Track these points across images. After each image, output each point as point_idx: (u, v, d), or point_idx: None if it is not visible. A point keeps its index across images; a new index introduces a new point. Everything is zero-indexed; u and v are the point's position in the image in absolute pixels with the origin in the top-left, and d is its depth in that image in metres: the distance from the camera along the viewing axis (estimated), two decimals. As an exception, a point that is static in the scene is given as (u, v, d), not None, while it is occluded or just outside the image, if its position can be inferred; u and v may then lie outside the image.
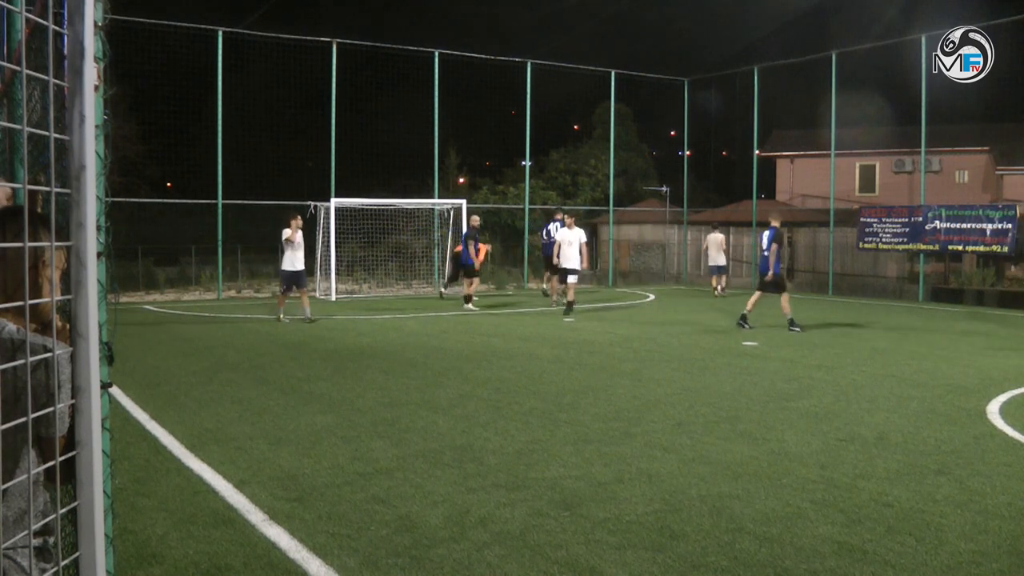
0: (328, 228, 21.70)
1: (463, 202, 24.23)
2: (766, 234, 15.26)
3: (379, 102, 30.10)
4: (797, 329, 14.61)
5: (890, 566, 4.43)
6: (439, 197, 25.54)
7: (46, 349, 2.10)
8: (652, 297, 23.18)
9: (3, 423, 1.81)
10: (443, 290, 22.40)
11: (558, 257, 17.82)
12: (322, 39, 23.29)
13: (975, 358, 11.84)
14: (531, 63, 26.05)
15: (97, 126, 2.02)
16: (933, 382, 9.90)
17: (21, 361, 1.99)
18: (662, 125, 45.14)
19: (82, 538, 1.89)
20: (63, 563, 1.93)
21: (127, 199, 25.14)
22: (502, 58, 26.65)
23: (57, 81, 1.83)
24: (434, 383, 9.66)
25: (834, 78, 25.09)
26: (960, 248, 21.88)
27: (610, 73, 28.62)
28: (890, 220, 23.31)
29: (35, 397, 2.01)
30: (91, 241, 1.86)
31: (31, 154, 2.92)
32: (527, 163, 28.40)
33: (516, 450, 6.71)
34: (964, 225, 21.53)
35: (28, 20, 2.56)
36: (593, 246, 29.99)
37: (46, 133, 1.80)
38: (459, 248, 19.92)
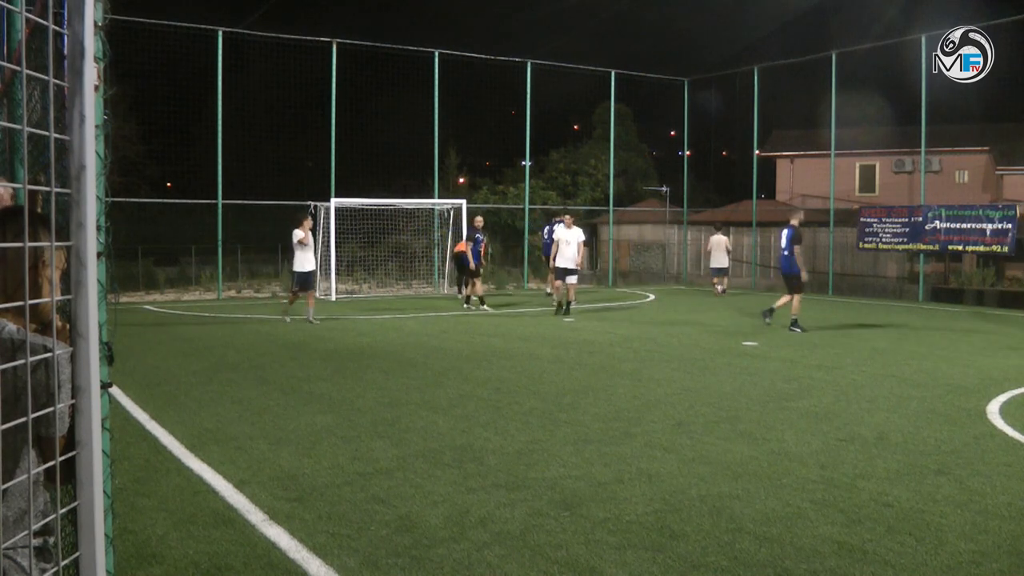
0: (328, 228, 21.71)
1: (463, 202, 24.23)
2: (784, 233, 15.22)
3: (379, 102, 30.09)
4: (798, 330, 14.61)
5: (890, 566, 4.43)
6: (439, 197, 25.55)
7: (46, 349, 2.10)
8: (652, 297, 23.18)
9: (3, 423, 1.81)
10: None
11: (555, 258, 17.69)
12: (322, 39, 23.30)
13: (975, 358, 11.84)
14: (531, 63, 26.05)
15: (97, 126, 2.02)
16: (933, 382, 9.90)
17: (21, 361, 1.99)
18: (662, 125, 45.14)
19: (82, 538, 1.89)
20: (63, 563, 1.93)
21: (127, 199, 25.15)
22: (502, 58, 26.66)
23: (57, 81, 1.83)
24: (434, 383, 9.67)
25: (834, 78, 25.09)
26: (960, 248, 21.88)
27: (610, 73, 28.62)
28: (890, 220, 23.31)
29: (35, 397, 2.01)
30: (91, 241, 1.86)
31: (31, 154, 2.92)
32: (527, 163, 28.40)
33: (516, 450, 6.71)
34: (964, 225, 21.53)
35: (28, 20, 2.56)
36: (593, 246, 30.01)
37: (46, 133, 1.80)
38: (459, 248, 19.88)
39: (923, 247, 22.52)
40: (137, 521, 5.05)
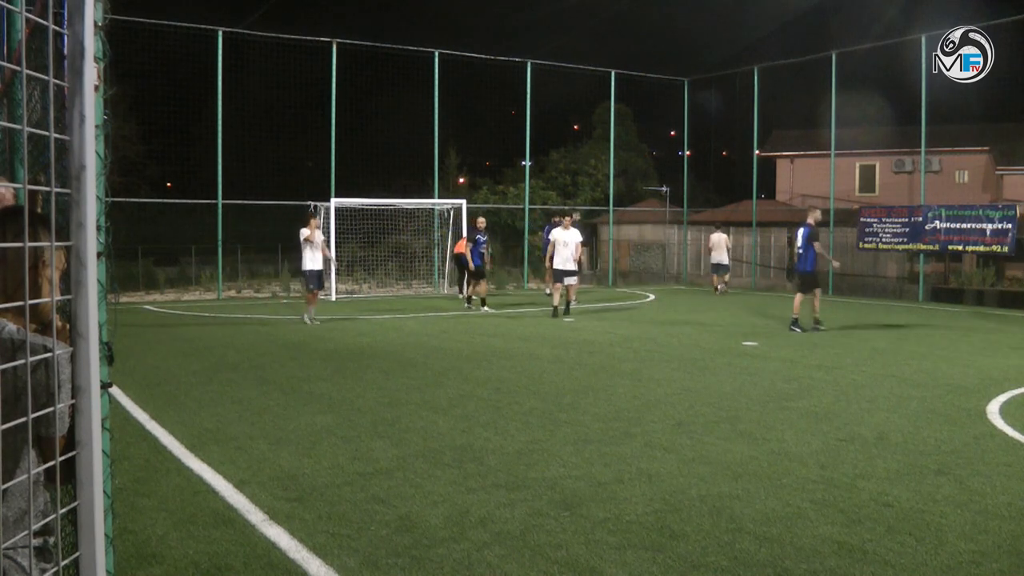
0: (328, 228, 21.70)
1: (463, 202, 24.23)
2: (800, 231, 15.23)
3: (379, 102, 30.12)
4: (798, 330, 14.61)
5: (890, 566, 4.43)
6: (439, 197, 25.54)
7: (46, 349, 2.10)
8: (652, 297, 23.19)
9: (3, 423, 1.81)
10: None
11: (552, 259, 17.56)
12: (322, 39, 23.30)
13: (975, 358, 11.84)
14: (531, 63, 26.06)
15: (97, 126, 2.02)
16: (933, 382, 9.90)
17: (21, 361, 1.99)
18: (662, 125, 45.12)
19: (82, 538, 1.89)
20: (63, 563, 1.93)
21: (127, 199, 25.16)
22: (502, 58, 26.66)
23: (57, 81, 1.83)
24: (434, 383, 9.66)
25: (834, 78, 25.10)
26: (960, 248, 21.88)
27: (610, 73, 28.62)
28: (890, 220, 23.31)
29: (35, 397, 2.01)
30: (91, 241, 1.86)
31: (31, 154, 2.92)
32: (527, 163, 28.41)
33: (516, 450, 6.71)
34: (964, 225, 21.53)
35: (28, 20, 2.56)
36: (593, 246, 30.02)
37: (46, 133, 1.80)
38: (458, 248, 19.87)
39: (923, 247, 22.52)
40: (137, 521, 5.05)
